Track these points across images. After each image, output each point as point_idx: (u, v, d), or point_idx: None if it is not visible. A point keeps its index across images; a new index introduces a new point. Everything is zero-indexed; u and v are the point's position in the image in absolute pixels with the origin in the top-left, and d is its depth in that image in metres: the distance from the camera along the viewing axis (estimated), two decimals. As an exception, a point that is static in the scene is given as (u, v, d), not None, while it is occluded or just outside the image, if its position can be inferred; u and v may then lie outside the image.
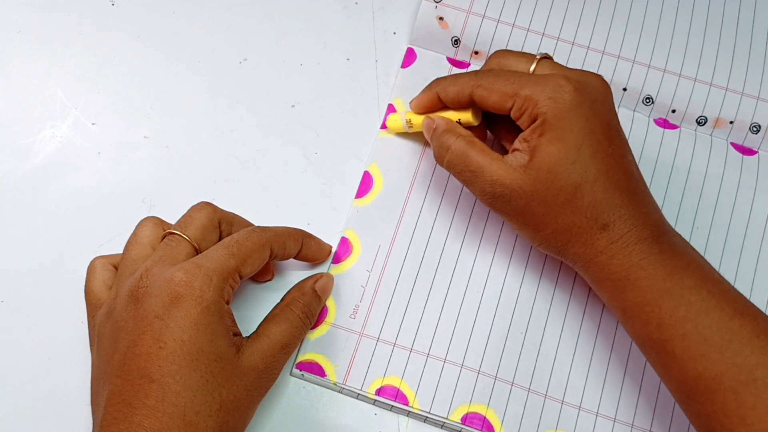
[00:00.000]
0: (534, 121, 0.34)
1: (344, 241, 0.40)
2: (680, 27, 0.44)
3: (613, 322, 0.40)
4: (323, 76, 0.44)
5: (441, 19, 0.44)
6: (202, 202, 0.36)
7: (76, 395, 0.36)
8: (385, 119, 0.43)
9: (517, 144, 0.35)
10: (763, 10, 0.45)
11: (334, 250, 0.40)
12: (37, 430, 0.37)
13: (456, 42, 0.44)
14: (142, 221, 0.36)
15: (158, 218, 0.36)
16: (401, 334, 0.39)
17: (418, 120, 0.40)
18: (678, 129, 0.44)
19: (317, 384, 0.38)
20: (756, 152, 0.44)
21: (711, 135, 0.44)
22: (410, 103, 0.40)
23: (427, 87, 0.39)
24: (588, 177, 0.33)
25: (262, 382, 0.33)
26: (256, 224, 0.39)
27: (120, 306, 0.32)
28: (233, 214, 0.37)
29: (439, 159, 0.37)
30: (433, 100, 0.38)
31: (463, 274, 0.40)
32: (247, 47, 0.45)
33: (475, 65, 0.45)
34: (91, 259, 0.36)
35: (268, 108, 0.43)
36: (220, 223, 0.36)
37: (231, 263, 0.33)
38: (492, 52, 0.43)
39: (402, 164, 0.42)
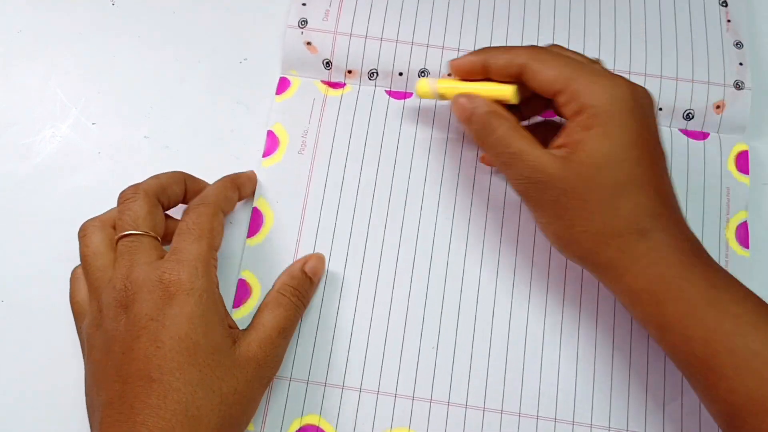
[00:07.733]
0: (579, 112, 0.33)
1: (242, 284, 0.39)
2: (559, 22, 0.44)
3: (521, 319, 0.39)
4: (323, 76, 0.44)
5: (309, 44, 0.43)
6: (129, 188, 0.35)
7: (75, 395, 0.36)
8: (271, 146, 0.41)
9: (561, 138, 0.34)
10: None
11: (233, 291, 0.38)
12: (37, 430, 0.37)
13: (328, 64, 0.43)
14: (83, 228, 0.35)
15: (96, 219, 0.35)
16: (312, 369, 0.38)
17: (450, 93, 0.37)
18: None
19: None
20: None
21: None
22: (450, 63, 0.37)
23: (475, 52, 0.37)
24: (633, 179, 0.32)
25: (263, 372, 0.33)
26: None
27: (108, 317, 0.32)
28: (156, 178, 0.36)
29: (480, 140, 0.35)
30: (477, 68, 0.36)
31: (367, 298, 0.39)
32: (247, 47, 0.45)
33: (351, 84, 0.43)
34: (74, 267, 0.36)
35: (268, 108, 0.43)
36: (158, 198, 0.35)
37: (203, 245, 0.33)
38: (365, 69, 0.43)
39: (290, 193, 0.40)
